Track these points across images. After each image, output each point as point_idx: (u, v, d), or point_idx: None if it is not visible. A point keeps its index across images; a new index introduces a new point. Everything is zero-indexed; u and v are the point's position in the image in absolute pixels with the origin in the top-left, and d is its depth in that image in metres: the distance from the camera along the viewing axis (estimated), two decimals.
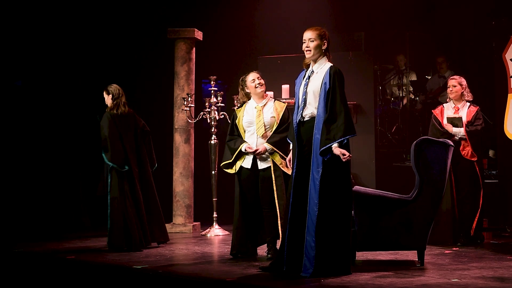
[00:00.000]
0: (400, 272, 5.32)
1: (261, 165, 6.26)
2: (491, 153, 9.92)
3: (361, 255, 6.08)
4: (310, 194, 5.15)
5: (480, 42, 9.96)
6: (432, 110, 7.49)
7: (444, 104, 7.45)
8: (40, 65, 9.89)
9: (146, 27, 10.63)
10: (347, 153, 5.06)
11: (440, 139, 6.17)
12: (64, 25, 9.86)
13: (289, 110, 6.37)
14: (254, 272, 5.38)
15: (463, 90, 7.25)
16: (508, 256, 6.16)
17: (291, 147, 5.59)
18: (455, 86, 7.27)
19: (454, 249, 6.76)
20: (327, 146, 5.07)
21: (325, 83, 5.19)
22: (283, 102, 6.49)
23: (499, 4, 9.34)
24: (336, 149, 5.07)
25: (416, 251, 5.76)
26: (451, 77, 7.46)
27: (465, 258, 6.11)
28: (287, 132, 6.11)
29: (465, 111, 7.22)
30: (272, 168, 6.21)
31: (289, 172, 6.13)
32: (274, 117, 6.29)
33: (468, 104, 7.29)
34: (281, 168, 6.19)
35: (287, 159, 5.71)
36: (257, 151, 6.21)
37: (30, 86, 10.01)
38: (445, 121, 7.19)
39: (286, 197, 6.18)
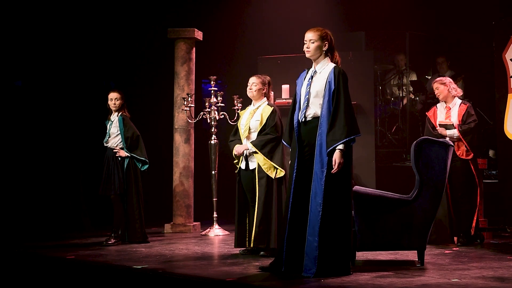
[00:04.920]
0: (400, 272, 5.32)
1: (252, 165, 6.49)
2: (491, 153, 9.92)
3: (361, 255, 6.09)
4: (312, 194, 5.15)
5: (480, 42, 9.97)
6: (426, 113, 7.53)
7: (437, 105, 7.47)
8: (40, 65, 9.88)
9: (146, 27, 10.63)
10: (337, 162, 5.06)
11: (441, 139, 6.18)
12: (64, 25, 9.86)
13: (277, 114, 6.49)
14: (254, 272, 5.38)
15: (448, 88, 7.26)
16: (508, 256, 6.16)
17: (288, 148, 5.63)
18: (438, 88, 7.32)
19: (454, 249, 6.76)
20: (332, 147, 5.08)
21: (329, 83, 5.20)
22: (271, 106, 6.58)
23: (499, 4, 9.34)
24: (337, 152, 5.08)
25: (416, 251, 5.76)
26: (433, 81, 7.52)
27: (465, 258, 6.11)
28: (271, 135, 6.37)
29: (456, 110, 7.23)
30: (256, 169, 6.41)
31: (272, 175, 6.29)
32: (259, 120, 6.48)
33: (459, 101, 7.29)
34: (264, 170, 6.32)
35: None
36: (238, 152, 6.49)
37: (30, 86, 10.01)
38: (438, 127, 7.20)
39: (286, 198, 6.29)
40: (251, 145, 6.42)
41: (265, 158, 6.32)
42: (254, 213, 6.38)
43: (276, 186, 6.33)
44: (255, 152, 6.39)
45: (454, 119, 7.18)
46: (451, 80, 7.39)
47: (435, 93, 7.38)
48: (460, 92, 7.36)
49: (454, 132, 7.07)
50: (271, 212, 6.30)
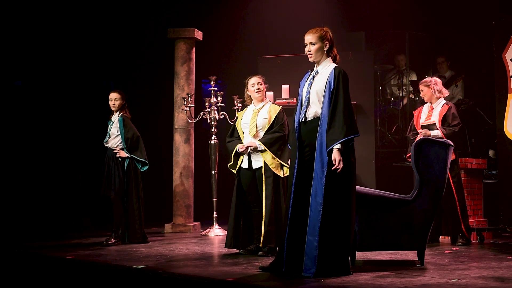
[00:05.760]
0: (400, 272, 5.32)
1: (256, 165, 6.43)
2: (491, 153, 9.92)
3: (361, 255, 6.09)
4: (312, 193, 5.14)
5: (480, 42, 9.97)
6: (414, 112, 7.59)
7: (424, 105, 7.53)
8: (40, 65, 9.89)
9: (146, 27, 10.63)
10: (337, 160, 5.06)
11: (441, 139, 6.18)
12: (64, 25, 9.87)
13: (285, 113, 6.50)
14: (254, 272, 5.38)
15: (432, 90, 7.31)
16: (508, 256, 6.16)
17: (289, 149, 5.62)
18: (422, 90, 7.42)
19: (454, 249, 6.77)
20: (331, 147, 5.08)
21: (329, 83, 5.20)
22: (278, 106, 6.61)
23: (499, 4, 9.34)
24: (334, 151, 5.08)
25: (416, 251, 5.76)
26: (419, 83, 7.58)
27: (465, 258, 6.12)
28: (280, 133, 6.38)
29: (438, 110, 7.27)
30: (263, 168, 6.35)
31: (280, 174, 6.27)
32: (266, 118, 6.45)
33: (443, 102, 7.34)
34: (272, 169, 6.29)
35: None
36: (245, 147, 6.39)
37: (30, 86, 10.01)
38: (420, 129, 7.23)
39: (285, 198, 6.28)
40: (259, 142, 6.37)
41: (273, 156, 6.31)
42: (262, 213, 6.31)
43: (282, 185, 6.32)
44: (263, 150, 6.36)
45: (435, 118, 7.24)
46: (436, 81, 7.42)
47: (421, 94, 7.48)
48: (445, 93, 7.41)
49: (438, 134, 7.06)
50: (280, 211, 6.26)
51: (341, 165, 5.06)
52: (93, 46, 10.19)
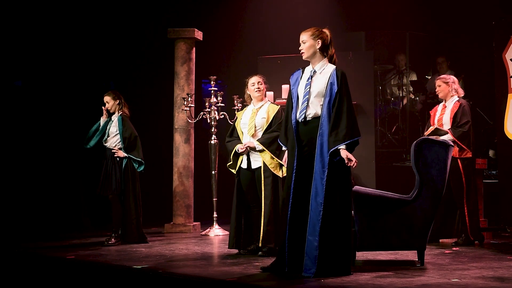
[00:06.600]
0: (400, 272, 5.32)
1: (255, 165, 6.42)
2: (491, 153, 9.92)
3: (361, 255, 6.09)
4: (313, 193, 5.15)
5: (480, 42, 9.97)
6: (430, 111, 7.56)
7: (440, 103, 7.50)
8: (40, 65, 9.88)
9: (146, 27, 10.63)
10: (353, 159, 5.08)
11: (440, 139, 6.19)
12: (64, 25, 9.86)
13: (282, 112, 6.48)
14: (254, 272, 5.38)
15: (449, 88, 7.27)
16: (508, 256, 6.16)
17: (283, 148, 5.61)
18: (440, 86, 7.34)
19: (454, 249, 6.77)
20: (335, 147, 5.08)
21: (331, 84, 5.21)
22: (276, 105, 6.61)
23: (499, 4, 9.34)
24: (343, 151, 5.09)
25: (416, 251, 5.76)
26: (437, 78, 7.53)
27: (465, 258, 6.12)
28: (278, 132, 6.25)
29: (450, 107, 7.24)
30: (262, 168, 6.34)
31: (279, 174, 6.26)
32: (265, 118, 6.45)
33: (455, 99, 7.28)
34: (271, 169, 6.29)
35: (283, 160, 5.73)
36: (245, 148, 6.37)
37: (30, 86, 10.01)
38: (433, 131, 7.22)
39: (283, 198, 6.28)
40: (257, 142, 6.36)
41: (272, 156, 6.30)
42: (261, 213, 6.30)
43: (281, 185, 6.31)
44: (262, 150, 6.35)
45: (447, 117, 7.18)
46: (454, 80, 7.37)
47: (436, 90, 7.39)
48: (461, 93, 7.35)
49: (449, 137, 7.01)
50: (279, 211, 6.24)
51: (355, 160, 5.09)
52: (93, 46, 10.18)
